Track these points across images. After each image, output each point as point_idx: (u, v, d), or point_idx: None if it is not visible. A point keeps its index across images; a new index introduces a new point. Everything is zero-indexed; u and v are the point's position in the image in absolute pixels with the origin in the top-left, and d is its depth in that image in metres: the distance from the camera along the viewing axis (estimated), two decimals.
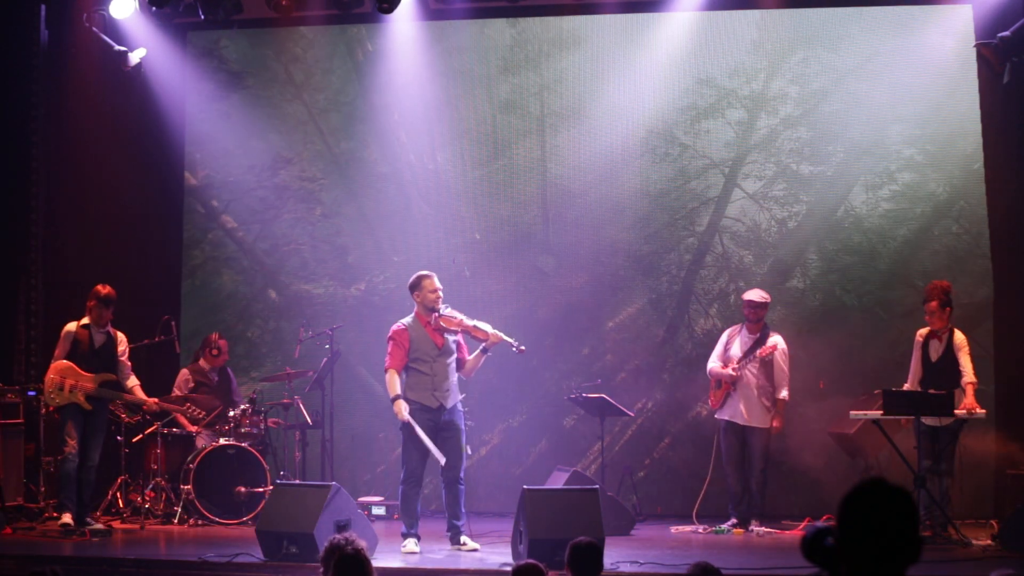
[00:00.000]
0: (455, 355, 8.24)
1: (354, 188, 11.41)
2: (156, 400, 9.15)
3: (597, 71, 11.01)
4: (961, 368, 8.40)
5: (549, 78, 11.15)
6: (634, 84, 10.88)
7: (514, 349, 8.06)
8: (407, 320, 8.26)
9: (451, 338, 8.23)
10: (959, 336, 8.50)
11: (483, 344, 8.14)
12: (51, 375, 8.71)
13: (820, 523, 2.70)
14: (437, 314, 8.18)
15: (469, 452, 8.39)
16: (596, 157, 10.93)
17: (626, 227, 10.89)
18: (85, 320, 8.86)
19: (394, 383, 8.13)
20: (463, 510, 8.15)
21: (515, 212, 11.20)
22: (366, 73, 11.46)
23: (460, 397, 8.28)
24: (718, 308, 10.64)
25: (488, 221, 11.24)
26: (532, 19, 11.11)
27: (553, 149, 11.14)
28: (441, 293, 8.27)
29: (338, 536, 4.55)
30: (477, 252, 11.13)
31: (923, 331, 8.66)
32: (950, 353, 8.47)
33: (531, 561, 4.44)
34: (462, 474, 8.14)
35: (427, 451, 8.02)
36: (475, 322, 8.15)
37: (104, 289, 8.85)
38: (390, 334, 8.23)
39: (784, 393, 9.16)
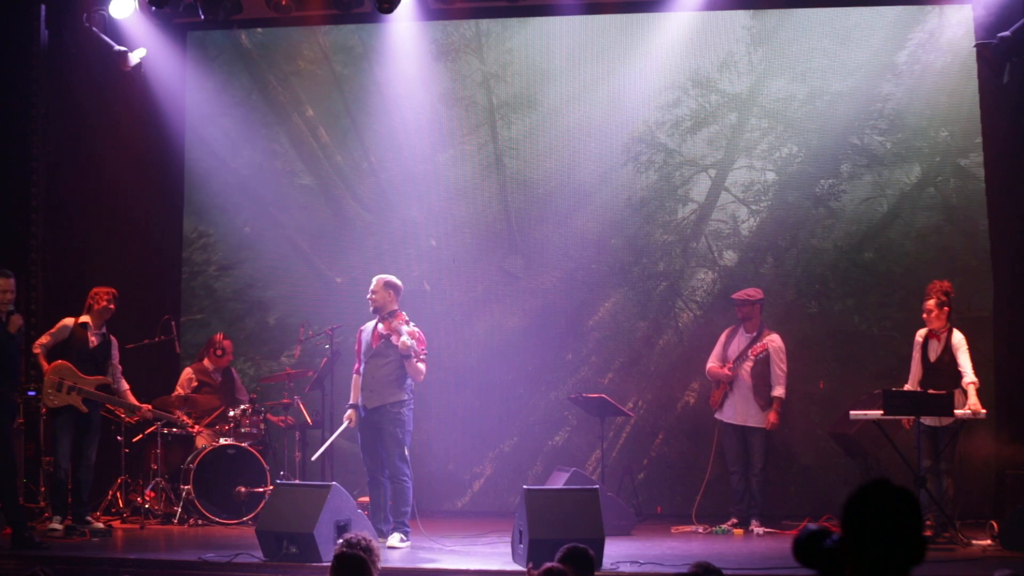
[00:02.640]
0: (393, 359, 8.18)
1: (271, 210, 10.57)
2: (150, 407, 9.17)
3: (548, 54, 10.40)
4: (961, 368, 8.38)
5: (494, 64, 10.47)
6: (597, 69, 10.37)
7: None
8: (369, 323, 8.37)
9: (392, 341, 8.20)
10: (957, 335, 8.48)
11: None
12: (50, 375, 8.64)
13: (812, 525, 2.69)
14: (381, 319, 8.25)
15: (405, 453, 8.20)
16: (554, 146, 10.44)
17: (593, 218, 10.41)
18: (84, 319, 8.83)
19: (352, 388, 8.37)
20: (386, 511, 8.19)
21: (473, 212, 10.43)
22: (257, 61, 10.62)
23: (398, 399, 8.18)
24: (699, 299, 10.38)
25: (443, 224, 10.46)
26: None
27: (507, 141, 10.41)
28: (369, 295, 8.26)
29: (348, 535, 4.54)
30: (435, 260, 10.35)
31: (922, 331, 8.65)
32: (948, 353, 8.46)
33: (557, 565, 4.39)
34: (385, 474, 8.19)
35: (363, 449, 8.28)
36: (398, 327, 8.14)
37: (113, 289, 8.88)
38: None
39: (780, 391, 9.15)
